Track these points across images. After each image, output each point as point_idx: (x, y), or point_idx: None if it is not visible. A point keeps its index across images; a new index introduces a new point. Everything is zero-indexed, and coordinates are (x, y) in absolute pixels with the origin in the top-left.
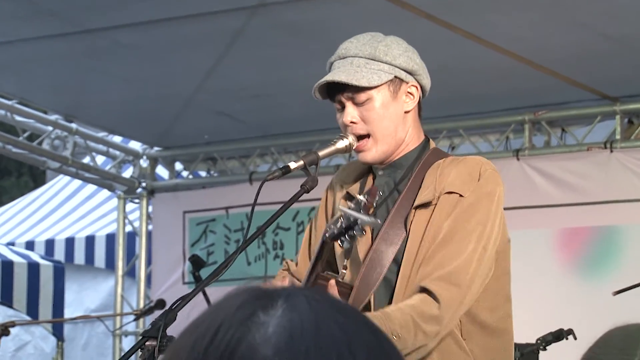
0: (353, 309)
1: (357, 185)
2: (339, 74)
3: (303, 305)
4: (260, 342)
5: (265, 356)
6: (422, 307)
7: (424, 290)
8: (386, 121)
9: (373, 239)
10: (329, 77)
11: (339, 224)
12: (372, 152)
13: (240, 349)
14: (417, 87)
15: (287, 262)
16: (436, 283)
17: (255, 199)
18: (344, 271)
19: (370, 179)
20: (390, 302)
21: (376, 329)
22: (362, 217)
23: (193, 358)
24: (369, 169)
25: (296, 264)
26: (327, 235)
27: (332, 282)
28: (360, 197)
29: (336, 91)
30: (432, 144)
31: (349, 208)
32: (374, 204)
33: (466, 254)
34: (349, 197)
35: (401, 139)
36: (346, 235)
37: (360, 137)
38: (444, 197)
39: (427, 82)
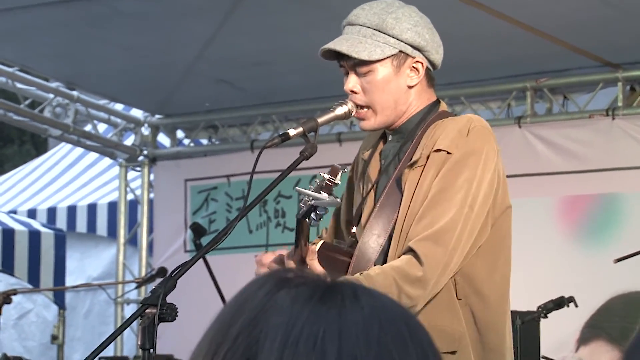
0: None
1: (369, 152)
2: (342, 42)
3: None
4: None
5: None
6: (406, 269)
7: (410, 250)
8: (386, 94)
9: (375, 204)
10: (332, 45)
11: (307, 203)
12: (370, 122)
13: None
14: (422, 63)
15: (324, 230)
16: (422, 243)
17: (254, 166)
18: (352, 238)
19: (381, 145)
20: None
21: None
22: (317, 196)
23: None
24: (384, 134)
25: (326, 230)
26: (298, 213)
27: (313, 247)
28: (324, 175)
29: (341, 57)
30: (443, 107)
31: (316, 188)
32: (335, 182)
33: (452, 214)
34: (364, 163)
35: (402, 110)
36: (312, 214)
37: (359, 106)
38: (432, 154)
39: (436, 57)
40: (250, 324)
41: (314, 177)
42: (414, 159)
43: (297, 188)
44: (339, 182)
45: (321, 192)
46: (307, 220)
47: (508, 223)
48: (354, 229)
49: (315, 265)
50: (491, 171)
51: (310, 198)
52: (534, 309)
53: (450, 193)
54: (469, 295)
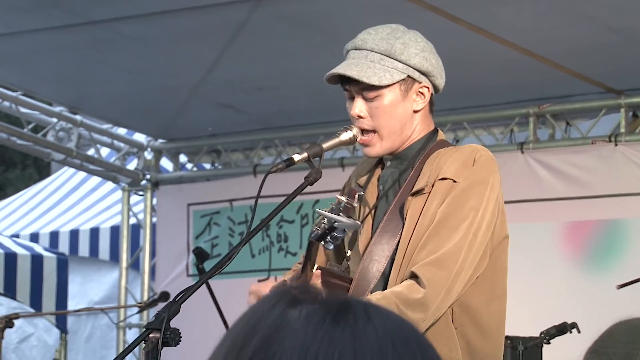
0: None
1: (365, 177)
2: (351, 67)
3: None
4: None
5: None
6: (408, 294)
7: (413, 275)
8: (393, 119)
9: (373, 232)
10: (341, 70)
11: (322, 226)
12: (376, 148)
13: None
14: (428, 88)
15: (303, 256)
16: (425, 268)
17: (259, 191)
18: (347, 262)
19: (378, 171)
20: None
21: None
22: (339, 219)
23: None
24: (380, 160)
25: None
26: (312, 235)
27: (317, 272)
28: (341, 198)
29: (347, 82)
30: (441, 135)
31: (331, 209)
32: (354, 205)
33: (456, 240)
34: (358, 187)
35: (407, 135)
36: (329, 237)
37: (365, 131)
38: (438, 183)
39: (440, 82)
40: (264, 345)
41: (317, 201)
42: (418, 186)
43: (318, 210)
44: (356, 205)
45: (340, 214)
46: (323, 243)
47: (505, 253)
48: (349, 252)
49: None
50: (494, 201)
51: (331, 220)
52: (537, 334)
53: (456, 220)
54: (465, 324)
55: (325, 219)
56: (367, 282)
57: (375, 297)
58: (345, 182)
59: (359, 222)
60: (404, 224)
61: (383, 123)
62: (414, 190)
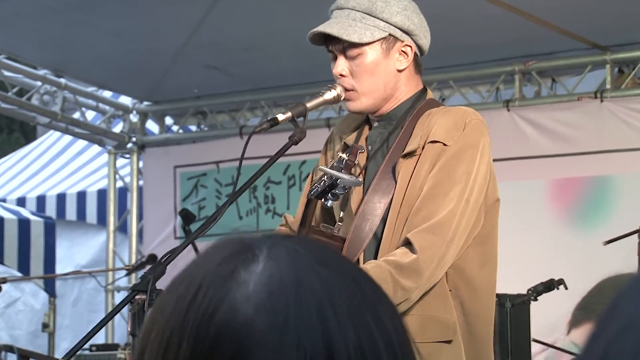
0: (337, 259)
1: (354, 135)
2: (332, 25)
3: (284, 258)
4: (241, 301)
5: (246, 315)
6: (401, 261)
7: (407, 242)
8: (375, 77)
9: (365, 191)
10: (322, 28)
11: (322, 183)
12: (357, 103)
13: (221, 309)
14: (411, 47)
15: (285, 217)
16: (420, 235)
17: (243, 152)
18: (339, 223)
19: (366, 129)
20: (377, 254)
21: (360, 279)
22: (342, 176)
23: (175, 317)
24: (366, 119)
25: (295, 216)
26: (312, 193)
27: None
28: (343, 155)
29: (330, 41)
30: (429, 95)
31: (332, 166)
32: (355, 162)
33: (450, 207)
34: (345, 147)
35: (390, 94)
36: (329, 194)
37: (348, 90)
38: (428, 146)
39: (424, 42)
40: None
41: (304, 162)
42: (409, 148)
43: (321, 167)
44: (358, 162)
45: (342, 171)
46: (324, 200)
47: (496, 216)
48: (342, 214)
49: None
50: (486, 164)
51: (333, 177)
52: (524, 291)
53: (448, 186)
54: (459, 286)
55: (326, 175)
56: (360, 241)
57: (369, 265)
58: (327, 139)
59: (360, 179)
60: (396, 184)
61: (365, 81)
62: (405, 152)
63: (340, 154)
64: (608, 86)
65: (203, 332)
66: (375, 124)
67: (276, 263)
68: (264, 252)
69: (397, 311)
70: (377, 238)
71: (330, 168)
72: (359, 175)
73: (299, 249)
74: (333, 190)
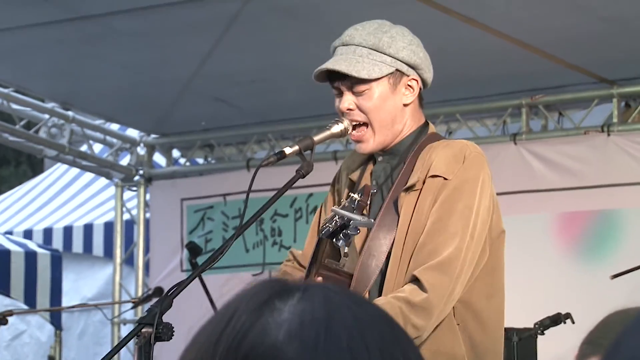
0: (368, 301)
1: (358, 172)
2: (340, 62)
3: (318, 295)
4: (273, 327)
5: (276, 340)
6: (412, 299)
7: (415, 279)
8: (383, 112)
9: (369, 228)
10: (330, 65)
11: (333, 223)
12: (369, 143)
13: (252, 332)
14: (417, 81)
15: (291, 252)
16: (427, 273)
17: (250, 185)
18: (345, 259)
19: (370, 165)
20: (381, 289)
21: (391, 320)
22: (354, 217)
23: (209, 341)
24: (371, 155)
25: (303, 250)
26: (323, 232)
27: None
28: (355, 196)
29: (336, 78)
30: (432, 128)
31: (343, 207)
32: (367, 202)
33: (456, 243)
34: (351, 183)
35: (398, 130)
36: (341, 234)
37: (356, 125)
38: (429, 180)
39: (429, 76)
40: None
41: (310, 195)
42: (410, 182)
43: (333, 208)
44: (369, 203)
45: (354, 212)
46: (335, 240)
47: (502, 248)
48: (347, 249)
49: None
50: (488, 197)
51: (345, 218)
52: (531, 325)
53: (451, 220)
54: (467, 320)
55: (337, 216)
56: (367, 278)
57: (380, 302)
58: (335, 176)
59: (372, 220)
60: (399, 219)
61: (374, 116)
62: (406, 186)
63: (352, 195)
64: (615, 120)
65: (232, 353)
66: (380, 159)
67: (310, 298)
68: (300, 290)
69: (420, 354)
70: (383, 274)
71: (342, 208)
72: (362, 211)
73: (333, 288)
74: (345, 231)
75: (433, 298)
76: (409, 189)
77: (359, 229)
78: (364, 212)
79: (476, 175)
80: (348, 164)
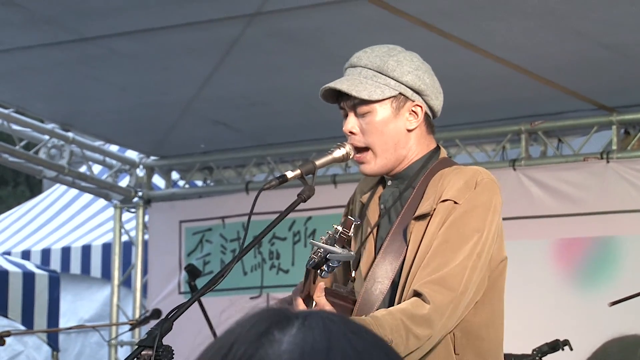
0: (367, 330)
1: (367, 195)
2: (343, 82)
3: (318, 324)
4: (272, 358)
5: None
6: (413, 310)
7: (416, 293)
8: (385, 136)
9: (376, 252)
10: (332, 84)
11: (317, 254)
12: (371, 165)
13: None
14: (421, 107)
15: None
16: (428, 286)
17: (252, 209)
18: (351, 283)
19: (380, 189)
20: None
21: (389, 350)
22: (333, 250)
23: None
24: (381, 178)
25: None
26: (309, 263)
27: (321, 285)
28: (338, 227)
29: (342, 98)
30: (443, 153)
31: (328, 238)
32: (349, 234)
33: (460, 259)
34: (362, 206)
35: (402, 155)
36: (325, 265)
37: (358, 149)
38: (439, 205)
39: (436, 103)
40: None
41: (309, 218)
42: (422, 210)
43: (312, 241)
44: (352, 235)
45: (335, 245)
46: (318, 272)
47: (503, 276)
48: (353, 273)
49: (323, 302)
50: (495, 225)
51: (325, 251)
52: (529, 352)
53: (458, 242)
54: (466, 350)
55: (321, 248)
56: (370, 304)
57: (380, 314)
58: (350, 198)
59: (352, 253)
60: (407, 247)
61: (375, 140)
62: (418, 214)
63: (335, 226)
64: (614, 147)
65: None
66: (389, 183)
67: (310, 328)
68: (300, 319)
69: None
70: (387, 301)
71: (326, 239)
72: (370, 233)
73: (332, 318)
74: (328, 263)
75: (435, 309)
76: (421, 217)
77: (340, 262)
78: (344, 245)
79: (488, 200)
80: (362, 186)
